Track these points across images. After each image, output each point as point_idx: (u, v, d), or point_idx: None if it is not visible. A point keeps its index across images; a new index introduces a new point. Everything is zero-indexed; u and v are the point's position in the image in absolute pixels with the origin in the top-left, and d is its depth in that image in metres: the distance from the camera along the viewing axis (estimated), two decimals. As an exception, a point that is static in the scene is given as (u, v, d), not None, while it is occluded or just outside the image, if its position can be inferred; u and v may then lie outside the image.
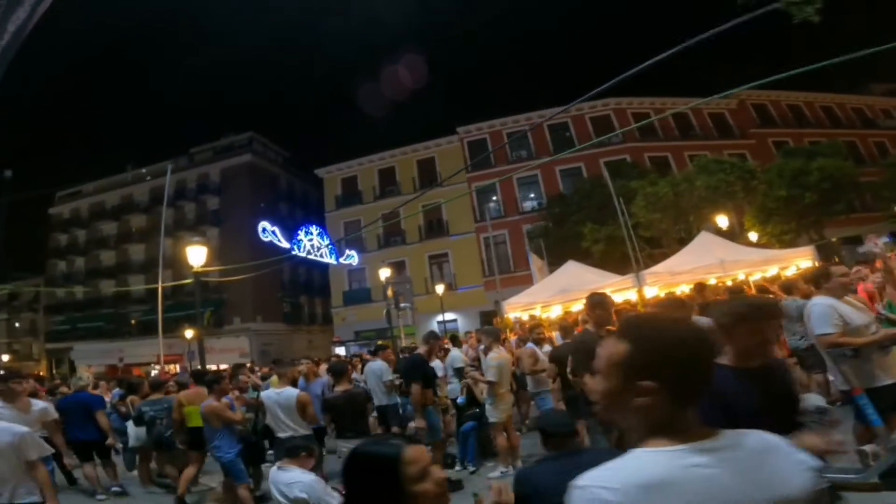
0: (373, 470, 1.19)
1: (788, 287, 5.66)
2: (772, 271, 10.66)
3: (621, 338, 1.02)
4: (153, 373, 21.66)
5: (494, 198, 29.42)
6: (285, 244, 18.07)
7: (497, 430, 5.24)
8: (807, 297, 5.90)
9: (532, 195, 29.24)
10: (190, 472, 5.41)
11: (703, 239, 12.06)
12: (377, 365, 6.28)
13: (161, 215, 33.83)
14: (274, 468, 3.22)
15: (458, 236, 29.11)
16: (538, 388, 5.73)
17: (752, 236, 18.17)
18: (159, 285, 12.77)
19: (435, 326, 26.87)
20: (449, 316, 27.19)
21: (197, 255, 11.02)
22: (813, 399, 2.77)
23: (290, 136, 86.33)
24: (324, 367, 8.57)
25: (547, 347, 6.85)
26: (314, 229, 20.11)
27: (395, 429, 6.48)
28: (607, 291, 11.07)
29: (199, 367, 10.17)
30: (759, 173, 17.65)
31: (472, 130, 30.32)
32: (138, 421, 6.11)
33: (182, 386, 6.61)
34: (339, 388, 4.68)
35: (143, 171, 35.82)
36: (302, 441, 3.50)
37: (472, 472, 5.59)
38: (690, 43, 4.64)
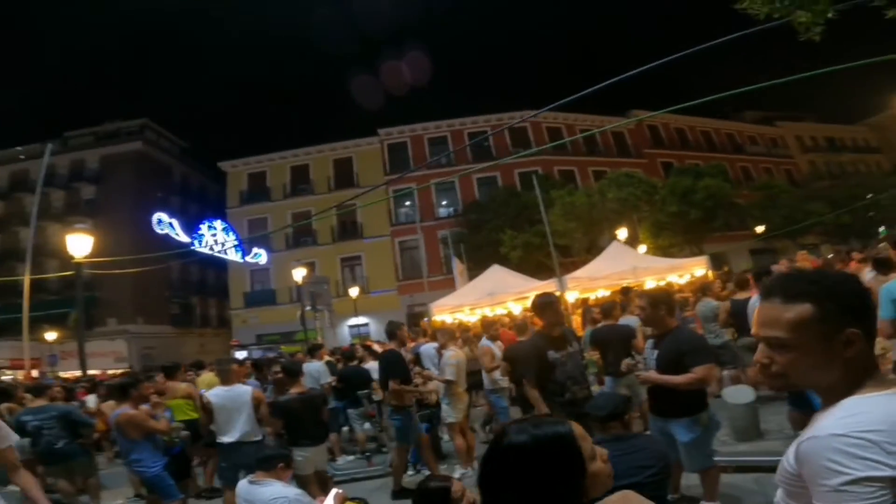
0: (555, 453, 1.00)
1: (704, 289, 6.23)
2: (672, 278, 11.79)
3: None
4: (4, 378, 18.41)
5: (408, 202, 29.35)
6: (184, 238, 16.32)
7: (455, 430, 5.08)
8: (718, 299, 6.57)
9: (445, 202, 29.62)
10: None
11: (615, 248, 13.05)
12: (315, 366, 5.82)
13: (21, 202, 29.52)
14: (244, 482, 2.79)
15: (373, 239, 28.59)
16: (494, 386, 5.66)
17: (642, 248, 20.12)
18: (26, 277, 10.79)
19: (347, 330, 26.15)
20: (361, 320, 26.56)
21: (79, 243, 9.55)
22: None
23: (192, 127, 78.79)
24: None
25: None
26: (218, 223, 18.43)
27: (332, 435, 6.07)
28: (531, 295, 11.55)
29: (58, 373, 8.83)
30: (659, 189, 19.64)
31: (393, 133, 30.09)
32: (20, 432, 5.06)
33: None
34: (294, 390, 4.22)
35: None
36: (275, 450, 3.04)
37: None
38: (655, 64, 4.92)
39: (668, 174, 26.17)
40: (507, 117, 29.33)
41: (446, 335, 5.53)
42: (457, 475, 5.00)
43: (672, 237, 20.25)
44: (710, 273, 11.04)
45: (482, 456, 1.12)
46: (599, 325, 5.08)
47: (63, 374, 18.74)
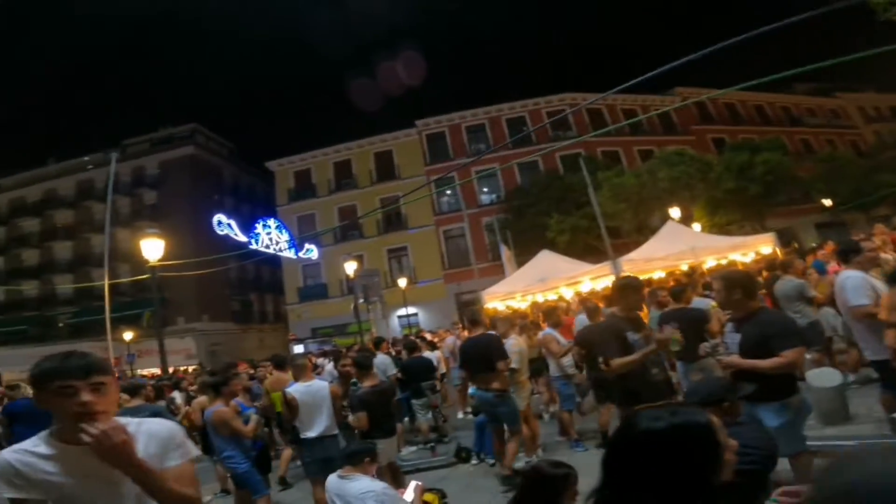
0: (694, 443, 0.99)
1: (783, 266, 5.91)
2: (735, 257, 11.25)
3: None
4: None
5: (449, 192, 29.35)
6: (242, 238, 16.97)
7: (519, 418, 5.12)
8: (801, 275, 6.24)
9: (486, 189, 29.44)
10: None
11: (670, 228, 12.58)
12: (381, 359, 5.97)
13: (90, 210, 31.71)
14: (333, 478, 2.90)
15: (417, 229, 28.83)
16: (561, 372, 5.63)
17: (696, 227, 19.28)
18: (106, 282, 11.61)
19: (396, 321, 26.61)
20: (410, 310, 26.97)
21: (153, 247, 10.17)
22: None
23: (237, 129, 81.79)
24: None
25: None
26: (272, 222, 18.98)
27: (399, 425, 6.22)
28: (584, 279, 11.35)
29: (136, 371, 9.40)
30: (714, 166, 18.73)
31: (430, 123, 30.07)
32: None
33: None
34: (367, 383, 4.35)
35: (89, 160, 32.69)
36: (361, 444, 3.15)
37: (493, 465, 5.44)
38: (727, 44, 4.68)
39: (720, 150, 24.91)
40: (543, 101, 28.74)
41: (506, 323, 5.53)
42: (521, 463, 5.04)
43: (729, 214, 19.30)
44: (778, 250, 10.45)
45: (610, 439, 1.11)
46: (668, 308, 4.93)
47: (142, 372, 20.08)
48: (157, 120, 38.72)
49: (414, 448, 6.70)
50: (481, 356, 4.82)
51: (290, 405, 4.32)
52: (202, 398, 5.74)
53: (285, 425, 5.14)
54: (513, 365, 5.07)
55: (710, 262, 10.90)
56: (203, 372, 12.00)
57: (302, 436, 4.34)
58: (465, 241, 28.58)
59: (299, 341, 26.61)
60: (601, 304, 9.53)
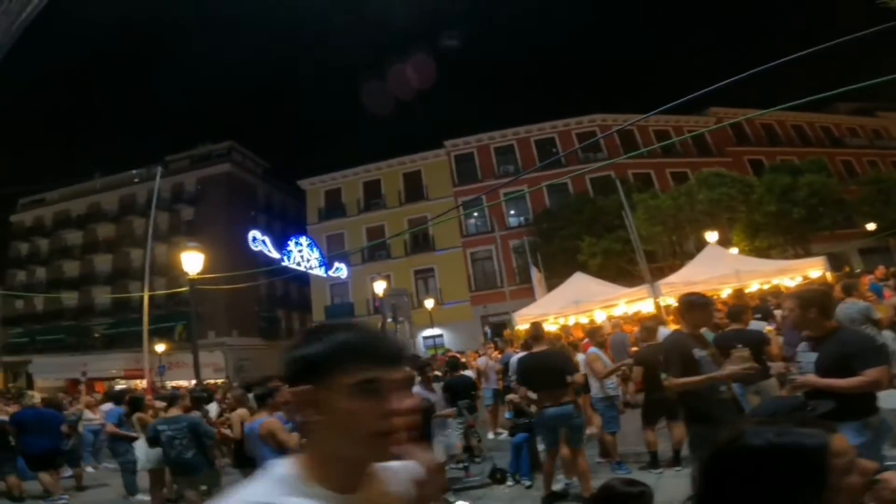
0: (791, 467, 0.89)
1: (847, 289, 5.58)
2: (782, 281, 10.75)
3: None
4: (118, 387, 20.33)
5: (476, 214, 29.35)
6: (275, 254, 17.28)
7: (561, 440, 4.89)
8: (865, 299, 5.90)
9: (513, 211, 29.29)
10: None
11: (711, 251, 12.19)
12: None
13: (131, 224, 32.97)
14: None
15: (444, 251, 28.81)
16: (604, 394, 5.38)
17: (733, 251, 18.63)
18: (145, 294, 11.87)
19: (421, 342, 26.44)
20: (436, 331, 26.79)
21: (193, 261, 10.35)
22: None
23: (270, 147, 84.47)
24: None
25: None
26: (304, 240, 19.36)
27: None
28: (620, 303, 11.04)
29: (166, 383, 9.50)
30: (756, 188, 18.15)
31: (459, 144, 30.27)
32: (152, 441, 5.43)
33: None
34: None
35: (136, 174, 34.17)
36: None
37: (528, 487, 5.19)
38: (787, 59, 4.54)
39: (759, 172, 24.20)
40: (573, 122, 28.64)
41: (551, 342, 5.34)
42: (559, 486, 4.79)
43: (770, 238, 18.57)
44: (829, 274, 9.94)
45: (712, 452, 1.02)
46: (727, 329, 4.69)
47: (172, 384, 20.39)
48: (194, 137, 40.27)
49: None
50: (550, 371, 4.72)
51: None
52: (241, 410, 5.67)
53: None
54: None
55: (754, 286, 10.46)
56: (234, 385, 12.06)
57: None
58: (492, 263, 28.39)
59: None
60: (632, 330, 9.24)
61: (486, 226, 28.75)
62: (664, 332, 5.41)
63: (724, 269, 10.38)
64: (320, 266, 19.94)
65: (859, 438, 2.82)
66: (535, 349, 4.92)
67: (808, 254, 16.92)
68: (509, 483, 5.46)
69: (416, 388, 4.92)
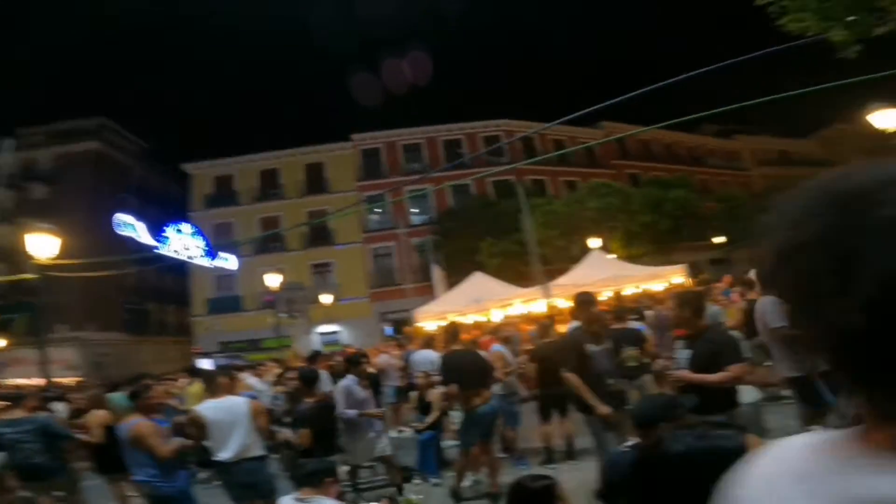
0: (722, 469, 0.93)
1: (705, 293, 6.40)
2: (651, 286, 12.09)
3: None
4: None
5: (378, 210, 29.14)
6: (148, 241, 15.47)
7: None
8: (717, 303, 6.81)
9: (416, 210, 29.52)
10: None
11: (596, 257, 13.34)
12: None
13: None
14: (290, 500, 2.59)
15: (344, 245, 28.17)
16: (506, 391, 5.59)
17: (611, 257, 20.65)
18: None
19: (317, 338, 25.50)
20: (333, 328, 26.04)
21: (43, 245, 8.96)
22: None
23: (156, 128, 74.81)
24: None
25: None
26: (187, 227, 17.58)
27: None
28: (516, 302, 11.62)
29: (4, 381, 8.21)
30: (634, 199, 20.26)
31: (367, 139, 29.86)
32: (-5, 444, 4.63)
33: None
34: (311, 400, 4.02)
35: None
36: (321, 463, 2.83)
37: (436, 485, 5.24)
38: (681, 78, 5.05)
39: (634, 185, 26.97)
40: (480, 126, 29.63)
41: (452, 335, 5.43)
42: (468, 483, 4.91)
43: (643, 247, 20.85)
44: (690, 280, 11.40)
45: (638, 455, 1.05)
46: (611, 328, 5.15)
47: (12, 382, 17.48)
48: (58, 111, 35.00)
49: (348, 467, 6.31)
50: (478, 369, 4.77)
51: (197, 424, 3.90)
52: (99, 412, 5.06)
53: (193, 447, 4.63)
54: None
55: (629, 290, 11.64)
56: (92, 384, 10.65)
57: (216, 458, 3.89)
58: (392, 260, 28.31)
59: (206, 355, 24.63)
60: (527, 328, 9.81)
61: (389, 222, 28.61)
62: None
63: (604, 273, 11.43)
64: (205, 256, 18.26)
65: None
66: (456, 347, 4.98)
67: (671, 262, 19.21)
68: (416, 482, 5.46)
69: (348, 383, 4.69)
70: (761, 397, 5.24)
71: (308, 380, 4.05)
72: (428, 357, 6.52)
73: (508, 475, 5.14)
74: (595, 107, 7.09)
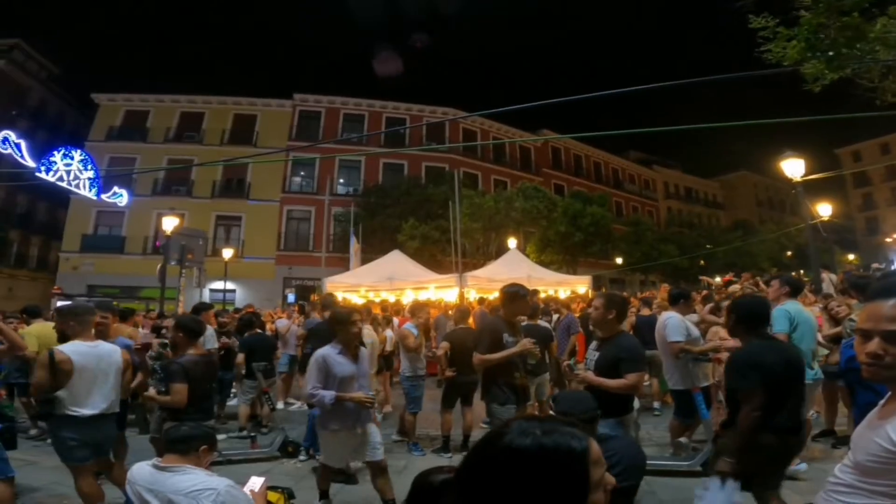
0: (558, 471, 0.80)
1: (648, 301, 6.77)
2: (558, 291, 12.65)
3: None
4: None
5: (303, 172, 27.78)
6: (29, 162, 13.46)
7: None
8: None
9: (343, 180, 28.51)
10: None
11: (513, 255, 13.68)
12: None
13: None
14: (144, 467, 2.15)
15: (258, 202, 26.45)
16: (412, 373, 5.39)
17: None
18: None
19: (208, 294, 23.65)
20: (228, 285, 24.33)
21: None
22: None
23: (79, 56, 64.52)
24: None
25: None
26: (77, 153, 15.50)
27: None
28: (430, 286, 11.56)
29: None
30: (558, 207, 21.08)
31: (308, 100, 28.38)
32: None
33: None
34: (193, 352, 3.53)
35: None
36: (196, 427, 2.32)
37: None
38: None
39: (559, 194, 28.17)
40: (428, 110, 29.24)
41: (363, 313, 5.18)
42: (358, 464, 4.72)
43: (555, 255, 21.82)
44: (591, 292, 12.08)
45: (472, 447, 0.91)
46: (523, 323, 5.21)
47: None
48: None
49: (224, 436, 5.81)
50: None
51: (59, 368, 3.21)
52: None
53: (37, 395, 3.68)
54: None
55: (539, 293, 12.06)
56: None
57: (70, 412, 3.26)
58: (308, 225, 27.09)
59: (67, 297, 21.77)
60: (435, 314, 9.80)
61: (311, 187, 27.31)
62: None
63: (520, 272, 11.70)
64: (92, 187, 16.18)
65: (615, 433, 3.33)
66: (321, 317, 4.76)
67: (576, 273, 20.36)
68: (301, 458, 5.10)
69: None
70: (639, 408, 5.63)
71: (190, 330, 3.56)
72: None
73: (402, 460, 5.04)
74: (526, 105, 7.11)
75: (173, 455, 2.14)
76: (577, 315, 7.70)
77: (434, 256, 18.39)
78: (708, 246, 26.99)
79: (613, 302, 3.32)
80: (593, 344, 3.45)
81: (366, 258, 15.91)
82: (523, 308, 3.87)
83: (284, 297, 24.40)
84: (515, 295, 3.78)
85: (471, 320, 8.00)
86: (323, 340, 3.84)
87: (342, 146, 26.85)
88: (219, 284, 21.57)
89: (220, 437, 5.84)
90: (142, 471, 2.11)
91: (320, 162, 27.18)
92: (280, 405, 7.45)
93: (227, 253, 21.90)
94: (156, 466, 2.10)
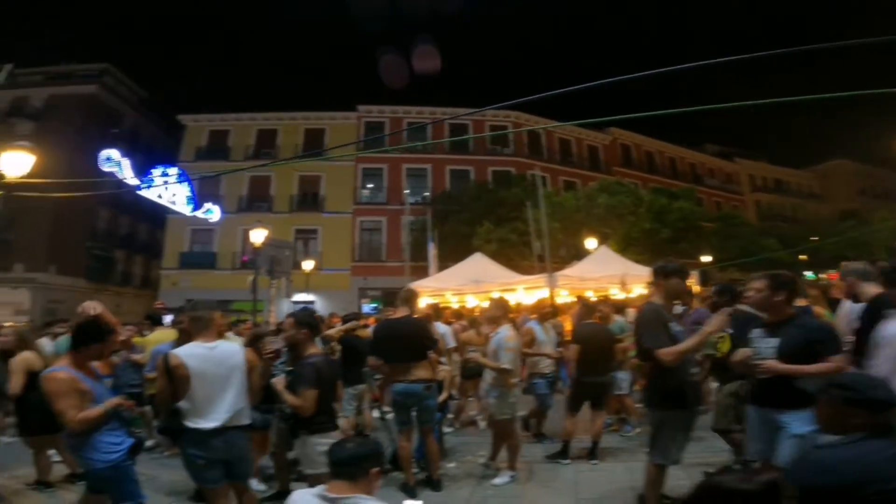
0: None
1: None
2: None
3: None
4: None
5: (370, 185, 28.36)
6: (132, 179, 14.54)
7: (508, 427, 4.38)
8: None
9: (408, 190, 28.68)
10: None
11: (603, 253, 12.85)
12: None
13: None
14: (312, 498, 1.73)
15: (333, 214, 27.35)
16: (532, 370, 5.00)
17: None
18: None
19: (289, 306, 24.54)
20: (308, 297, 25.13)
21: (17, 161, 8.02)
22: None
23: (161, 80, 71.96)
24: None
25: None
26: (173, 171, 16.64)
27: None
28: (518, 288, 11.03)
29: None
30: (644, 202, 19.82)
31: (373, 111, 29.18)
32: None
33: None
34: (313, 351, 3.21)
35: None
36: (362, 445, 1.87)
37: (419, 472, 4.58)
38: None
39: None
40: (490, 114, 28.95)
41: (500, 309, 4.73)
42: (500, 481, 4.29)
43: (638, 254, 20.45)
44: (698, 288, 11.00)
45: None
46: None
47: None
48: (67, 55, 33.62)
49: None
50: (407, 341, 4.14)
51: (175, 374, 2.78)
52: (26, 353, 4.14)
53: (158, 406, 3.55)
54: (506, 364, 4.31)
55: (636, 290, 11.16)
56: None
57: (191, 424, 2.82)
58: (381, 236, 27.55)
59: (169, 311, 23.41)
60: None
61: (381, 197, 27.84)
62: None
63: (613, 271, 10.92)
64: (188, 204, 17.25)
65: (809, 426, 2.77)
66: (396, 315, 4.36)
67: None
68: (415, 472, 4.73)
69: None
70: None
71: (313, 326, 3.21)
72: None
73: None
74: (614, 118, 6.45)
75: (341, 482, 1.73)
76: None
77: (511, 259, 17.83)
78: (813, 238, 24.27)
79: (782, 282, 2.85)
80: (758, 331, 2.90)
81: (443, 266, 15.66)
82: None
83: (360, 308, 24.84)
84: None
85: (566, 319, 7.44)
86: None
87: (409, 156, 27.18)
88: (300, 297, 22.32)
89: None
90: (303, 501, 1.73)
91: (388, 172, 27.65)
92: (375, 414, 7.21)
93: (308, 265, 22.64)
94: (324, 498, 1.70)
